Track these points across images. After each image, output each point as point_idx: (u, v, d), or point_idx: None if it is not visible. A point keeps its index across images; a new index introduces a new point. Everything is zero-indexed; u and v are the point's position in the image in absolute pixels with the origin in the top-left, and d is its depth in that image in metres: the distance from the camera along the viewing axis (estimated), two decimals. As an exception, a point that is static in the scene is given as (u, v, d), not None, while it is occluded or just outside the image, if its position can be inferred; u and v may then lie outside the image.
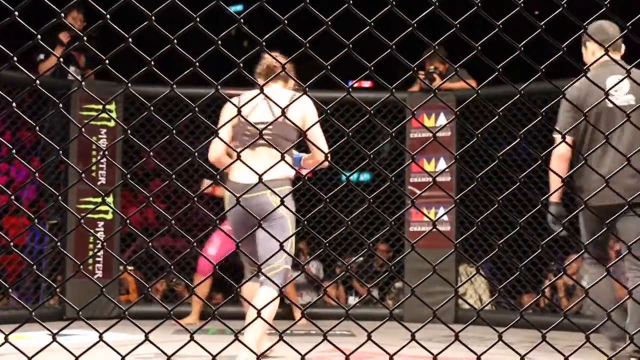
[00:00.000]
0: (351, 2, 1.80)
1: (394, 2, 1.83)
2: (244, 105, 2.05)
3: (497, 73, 1.79)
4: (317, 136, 4.03)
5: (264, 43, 1.79)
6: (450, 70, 7.20)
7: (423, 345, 1.91)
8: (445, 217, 6.75)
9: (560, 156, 4.16)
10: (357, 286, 7.50)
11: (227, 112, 4.21)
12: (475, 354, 1.94)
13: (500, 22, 1.83)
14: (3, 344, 1.86)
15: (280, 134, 4.05)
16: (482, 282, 7.04)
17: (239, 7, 15.11)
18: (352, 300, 7.49)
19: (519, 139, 1.85)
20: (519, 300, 6.81)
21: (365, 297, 7.11)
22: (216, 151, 4.14)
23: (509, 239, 4.37)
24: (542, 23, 1.89)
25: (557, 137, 4.32)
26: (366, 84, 15.43)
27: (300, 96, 2.44)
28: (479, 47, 1.83)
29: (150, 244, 1.92)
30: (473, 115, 6.87)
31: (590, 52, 4.29)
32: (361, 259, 7.55)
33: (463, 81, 2.19)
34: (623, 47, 4.29)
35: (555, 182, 4.28)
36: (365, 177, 9.60)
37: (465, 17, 1.85)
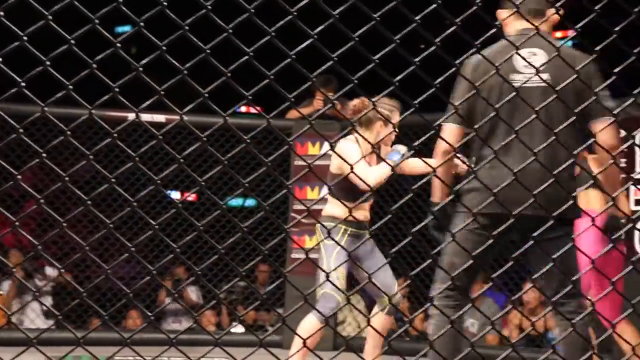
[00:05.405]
0: (231, 31, 1.81)
1: (274, 34, 1.85)
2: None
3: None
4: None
5: (140, 68, 1.77)
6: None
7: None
8: (327, 245, 6.76)
9: (444, 152, 3.30)
10: (241, 312, 7.44)
11: None
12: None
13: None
14: None
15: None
16: (362, 309, 7.09)
17: (127, 28, 14.90)
18: (236, 327, 7.38)
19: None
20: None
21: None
22: None
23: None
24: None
25: (447, 127, 3.32)
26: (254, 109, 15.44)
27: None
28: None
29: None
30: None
31: (505, 22, 3.39)
32: (242, 284, 7.49)
33: (337, 112, 2.23)
34: (552, 15, 3.42)
35: (437, 181, 3.33)
36: (250, 202, 9.58)
37: (343, 52, 1.89)
